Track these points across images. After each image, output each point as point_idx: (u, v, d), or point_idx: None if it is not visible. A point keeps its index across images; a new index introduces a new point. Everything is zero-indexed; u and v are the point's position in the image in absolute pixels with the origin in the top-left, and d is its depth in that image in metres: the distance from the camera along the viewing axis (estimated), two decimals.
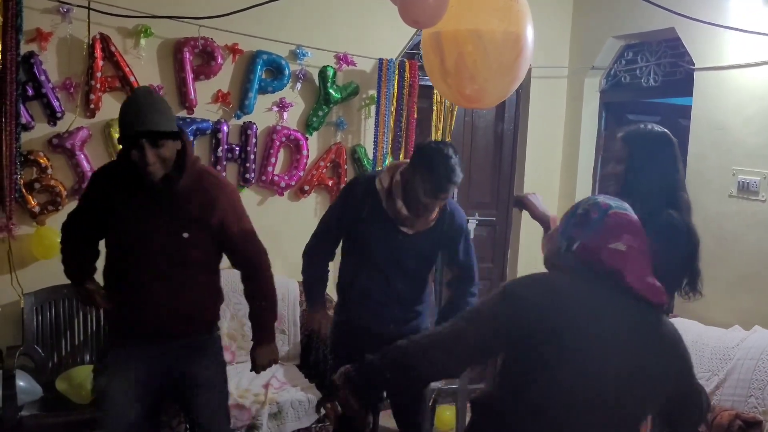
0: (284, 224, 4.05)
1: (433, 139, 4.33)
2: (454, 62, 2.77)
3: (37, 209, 3.43)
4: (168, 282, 2.38)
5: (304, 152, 4.06)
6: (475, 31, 2.68)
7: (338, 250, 2.84)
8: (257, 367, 2.65)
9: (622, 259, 1.54)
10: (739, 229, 3.54)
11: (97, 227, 2.45)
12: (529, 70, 4.63)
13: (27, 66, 3.32)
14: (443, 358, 1.57)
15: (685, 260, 2.28)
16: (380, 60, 4.11)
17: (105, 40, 3.50)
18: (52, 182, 3.46)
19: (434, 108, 4.32)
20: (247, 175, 3.94)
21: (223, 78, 3.84)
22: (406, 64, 4.18)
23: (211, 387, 2.53)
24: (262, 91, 3.93)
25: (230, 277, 2.94)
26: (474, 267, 2.83)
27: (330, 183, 4.18)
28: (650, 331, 1.56)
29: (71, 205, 3.01)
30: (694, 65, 3.82)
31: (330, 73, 4.02)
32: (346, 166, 4.19)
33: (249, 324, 2.73)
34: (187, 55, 3.69)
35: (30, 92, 3.37)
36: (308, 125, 4.08)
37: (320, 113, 4.07)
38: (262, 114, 3.96)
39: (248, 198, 4.01)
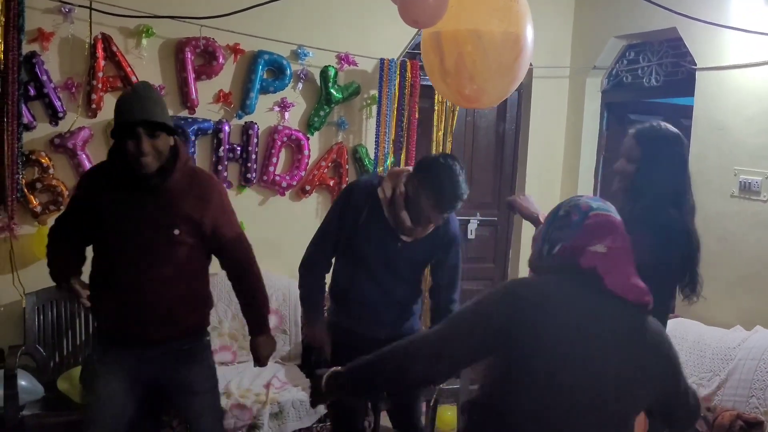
0: (286, 224, 4.06)
1: (435, 138, 4.34)
2: (453, 62, 2.77)
3: (38, 209, 3.45)
4: (153, 283, 2.30)
5: (306, 152, 4.06)
6: (474, 31, 2.68)
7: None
8: (261, 359, 2.59)
9: (602, 262, 1.53)
10: (741, 230, 3.53)
11: (85, 230, 2.39)
12: (531, 70, 4.63)
13: (29, 66, 3.34)
14: (440, 359, 1.55)
15: (684, 260, 2.27)
16: (382, 60, 4.12)
17: (107, 40, 3.51)
18: (54, 182, 3.47)
19: (436, 108, 4.32)
20: (249, 175, 3.95)
21: (225, 78, 3.85)
22: (408, 64, 4.18)
23: (200, 392, 2.48)
24: (264, 91, 3.93)
25: None
26: (460, 273, 2.80)
27: (331, 183, 4.18)
28: (634, 332, 1.55)
29: None
30: (695, 65, 3.82)
31: (331, 73, 4.02)
32: (347, 166, 4.19)
33: None
34: (189, 55, 3.70)
35: (32, 92, 3.39)
36: (310, 125, 4.08)
37: (321, 113, 4.08)
38: (263, 114, 3.97)
39: (250, 198, 4.02)
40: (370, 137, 4.22)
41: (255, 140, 3.92)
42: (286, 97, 4.01)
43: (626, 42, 4.48)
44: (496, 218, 4.94)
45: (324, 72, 4.02)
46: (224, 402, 3.26)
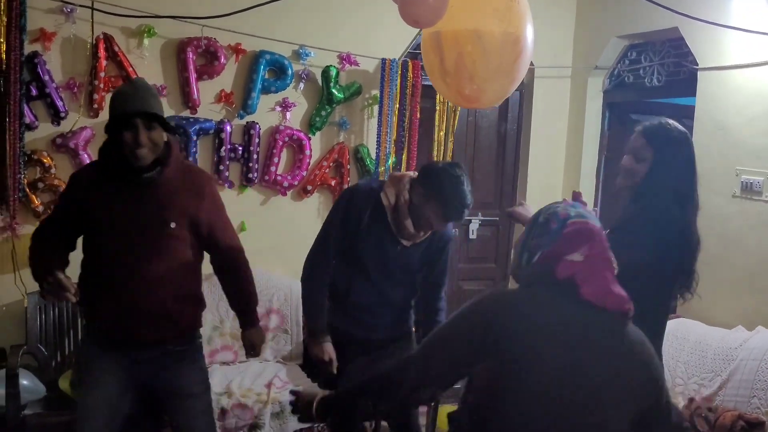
0: (287, 224, 4.06)
1: (436, 138, 4.34)
2: (453, 62, 2.77)
3: (40, 209, 3.46)
4: (147, 280, 2.27)
5: (307, 152, 4.07)
6: (474, 31, 2.68)
7: None
8: (256, 347, 2.60)
9: (580, 271, 1.52)
10: (743, 230, 3.53)
11: (71, 233, 2.36)
12: (533, 70, 4.63)
13: (31, 66, 3.35)
14: (425, 385, 1.57)
15: (683, 259, 2.27)
16: (383, 60, 4.12)
17: (108, 39, 3.52)
18: (56, 182, 3.48)
19: (437, 108, 4.32)
20: (250, 175, 3.95)
21: (226, 78, 3.85)
22: (409, 64, 4.19)
23: (193, 395, 2.45)
24: (265, 91, 3.94)
25: None
26: (446, 277, 2.80)
27: (333, 183, 4.19)
28: (613, 341, 1.53)
29: None
30: (697, 65, 3.81)
31: (333, 73, 4.03)
32: (348, 166, 4.20)
33: None
34: (191, 54, 3.70)
35: (34, 92, 3.40)
36: (311, 125, 4.09)
37: (323, 113, 4.08)
38: (265, 114, 3.97)
39: (251, 198, 4.02)
40: (372, 137, 4.22)
41: (256, 140, 3.93)
42: (288, 97, 4.01)
43: (628, 42, 4.48)
44: (497, 218, 4.93)
45: (325, 72, 4.02)
46: (226, 401, 3.28)
